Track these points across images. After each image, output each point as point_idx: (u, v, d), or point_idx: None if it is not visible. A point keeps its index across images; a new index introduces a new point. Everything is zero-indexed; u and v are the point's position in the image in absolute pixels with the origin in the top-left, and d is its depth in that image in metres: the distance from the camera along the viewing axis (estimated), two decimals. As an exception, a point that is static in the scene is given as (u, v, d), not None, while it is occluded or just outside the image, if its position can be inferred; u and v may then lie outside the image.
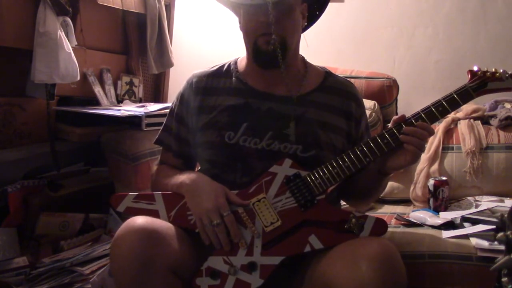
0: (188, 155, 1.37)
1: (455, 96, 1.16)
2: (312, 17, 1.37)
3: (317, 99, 1.30)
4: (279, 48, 1.20)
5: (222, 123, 1.27)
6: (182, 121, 1.36)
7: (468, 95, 1.17)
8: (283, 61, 1.23)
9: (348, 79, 1.44)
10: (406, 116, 1.18)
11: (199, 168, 1.39)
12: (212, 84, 1.34)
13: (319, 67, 1.40)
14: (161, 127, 1.42)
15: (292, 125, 1.25)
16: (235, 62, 1.37)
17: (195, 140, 1.33)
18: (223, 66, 1.38)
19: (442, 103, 1.16)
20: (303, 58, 1.38)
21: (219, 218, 1.14)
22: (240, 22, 1.30)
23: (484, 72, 1.18)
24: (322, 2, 1.36)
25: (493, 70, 1.19)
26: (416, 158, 1.16)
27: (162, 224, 1.14)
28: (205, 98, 1.32)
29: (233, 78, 1.33)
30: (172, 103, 1.40)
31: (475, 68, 1.20)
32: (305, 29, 1.36)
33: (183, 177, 1.24)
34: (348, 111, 1.32)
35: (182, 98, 1.37)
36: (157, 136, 1.42)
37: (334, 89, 1.34)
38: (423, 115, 1.16)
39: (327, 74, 1.37)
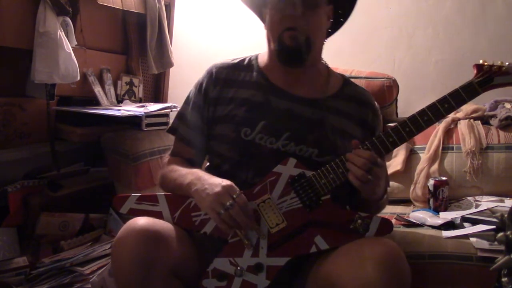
0: (201, 146, 1.35)
1: (461, 91, 1.14)
2: (335, 24, 1.35)
3: (335, 106, 1.30)
4: (304, 42, 1.20)
5: (240, 118, 1.26)
6: (199, 110, 1.34)
7: (474, 90, 1.14)
8: (306, 60, 1.23)
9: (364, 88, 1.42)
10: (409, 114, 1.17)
11: (207, 164, 1.37)
12: (233, 76, 1.33)
13: (338, 73, 1.40)
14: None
15: (316, 129, 1.24)
16: (256, 57, 1.36)
17: (210, 131, 1.31)
18: (244, 59, 1.37)
19: (448, 99, 1.14)
20: (325, 63, 1.37)
21: (230, 199, 1.10)
22: (265, 22, 1.29)
23: (491, 66, 1.14)
24: (347, 8, 1.34)
25: (499, 63, 1.15)
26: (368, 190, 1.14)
27: (163, 225, 1.14)
28: (224, 90, 1.31)
29: (254, 72, 1.33)
30: (190, 92, 1.39)
31: (481, 62, 1.16)
32: (328, 35, 1.34)
33: (192, 178, 1.20)
34: (364, 120, 1.32)
35: (200, 87, 1.35)
36: (170, 125, 1.41)
37: (352, 97, 1.34)
38: (428, 111, 1.15)
39: (346, 82, 1.37)
